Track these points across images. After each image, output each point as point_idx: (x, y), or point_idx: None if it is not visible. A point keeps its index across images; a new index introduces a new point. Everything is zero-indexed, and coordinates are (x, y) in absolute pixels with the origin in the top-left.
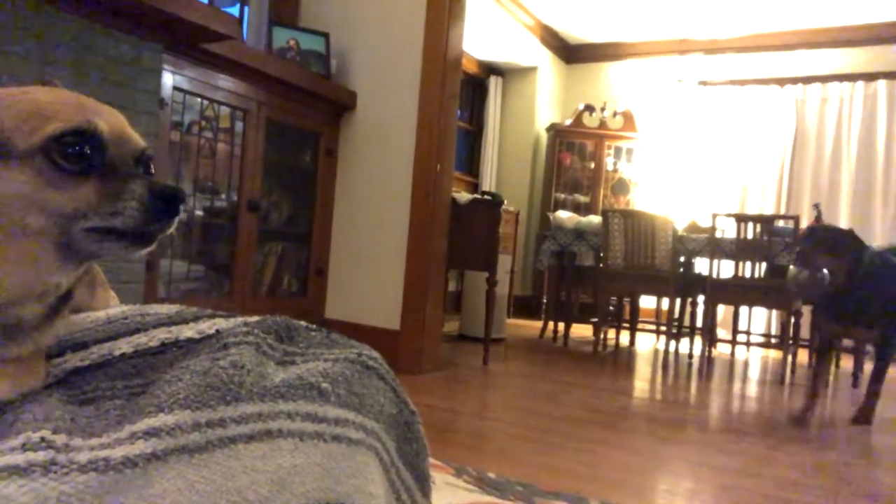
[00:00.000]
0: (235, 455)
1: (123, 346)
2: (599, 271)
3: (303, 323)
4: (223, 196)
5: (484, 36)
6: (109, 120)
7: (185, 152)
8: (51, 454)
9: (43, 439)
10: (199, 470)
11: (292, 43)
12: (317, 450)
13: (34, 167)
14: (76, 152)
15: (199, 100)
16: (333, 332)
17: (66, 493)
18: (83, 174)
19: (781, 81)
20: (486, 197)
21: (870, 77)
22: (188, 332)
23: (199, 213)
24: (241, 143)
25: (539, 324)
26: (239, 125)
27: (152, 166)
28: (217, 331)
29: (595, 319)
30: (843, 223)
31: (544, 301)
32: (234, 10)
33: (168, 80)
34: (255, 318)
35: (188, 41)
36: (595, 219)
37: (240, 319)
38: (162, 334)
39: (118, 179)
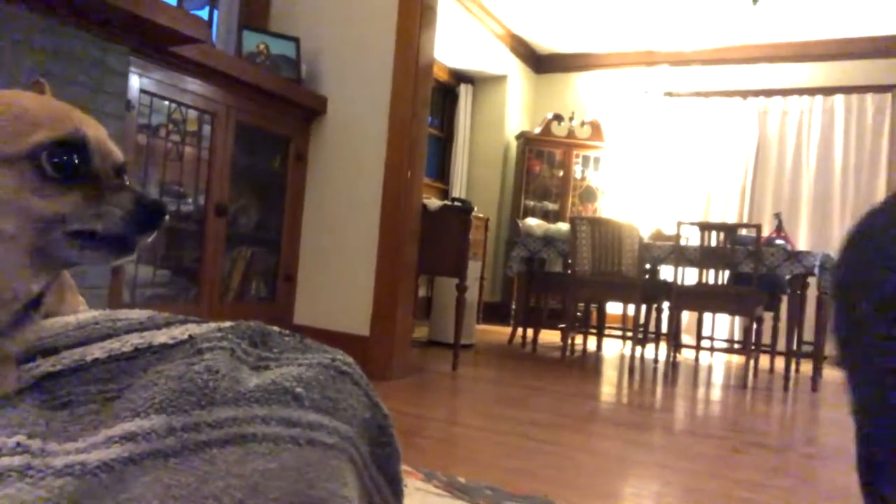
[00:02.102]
0: (211, 459)
1: (96, 351)
2: (567, 277)
3: (276, 328)
4: (190, 200)
5: (455, 44)
6: (94, 131)
7: (152, 155)
8: (26, 459)
9: (18, 444)
10: (174, 474)
11: (262, 47)
12: (291, 454)
13: (19, 172)
14: (63, 160)
15: (166, 103)
16: (307, 338)
17: (43, 497)
18: (68, 182)
19: (745, 94)
20: (456, 203)
21: (828, 91)
22: (161, 337)
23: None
24: (209, 146)
25: (508, 329)
26: (207, 129)
27: (127, 179)
28: (190, 336)
29: (563, 325)
30: (803, 232)
31: (513, 307)
32: (204, 14)
33: (135, 82)
34: (228, 324)
35: (156, 44)
36: (563, 226)
37: (213, 325)
38: (135, 339)
39: (102, 188)
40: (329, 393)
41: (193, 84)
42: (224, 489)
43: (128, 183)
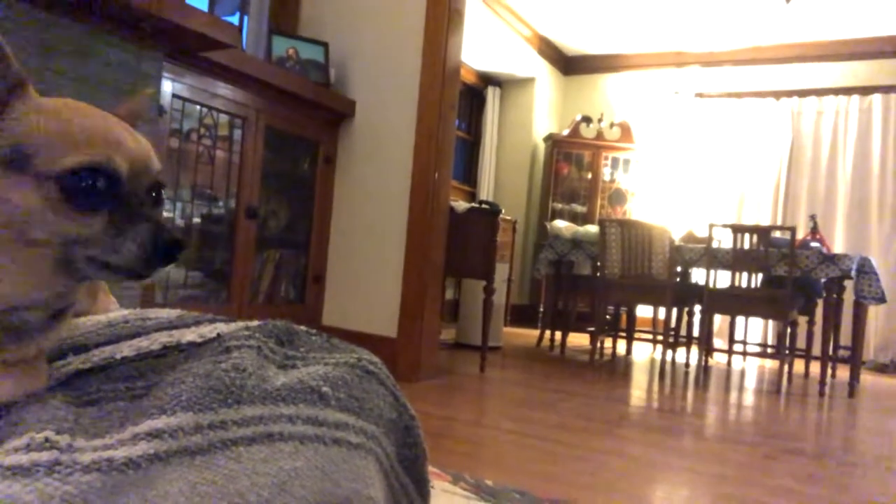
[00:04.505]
0: (237, 457)
1: (125, 349)
2: (596, 280)
3: (303, 327)
4: (221, 203)
5: (482, 47)
6: (132, 152)
7: (184, 159)
8: (55, 454)
9: (47, 440)
10: (200, 472)
11: (291, 52)
12: (317, 453)
13: (46, 191)
14: (89, 187)
15: (198, 107)
16: (333, 337)
17: (70, 492)
18: (91, 208)
19: (778, 94)
20: (483, 206)
21: (865, 91)
22: (190, 335)
23: (196, 220)
24: (239, 150)
25: (536, 332)
26: (237, 133)
27: (163, 192)
28: (218, 334)
29: (592, 328)
30: (839, 235)
31: (541, 310)
32: (234, 19)
33: (168, 87)
34: (256, 323)
35: (188, 49)
36: (592, 228)
37: (241, 324)
38: (163, 338)
39: (126, 218)
40: (355, 392)
41: (224, 89)
42: (250, 487)
43: (162, 198)
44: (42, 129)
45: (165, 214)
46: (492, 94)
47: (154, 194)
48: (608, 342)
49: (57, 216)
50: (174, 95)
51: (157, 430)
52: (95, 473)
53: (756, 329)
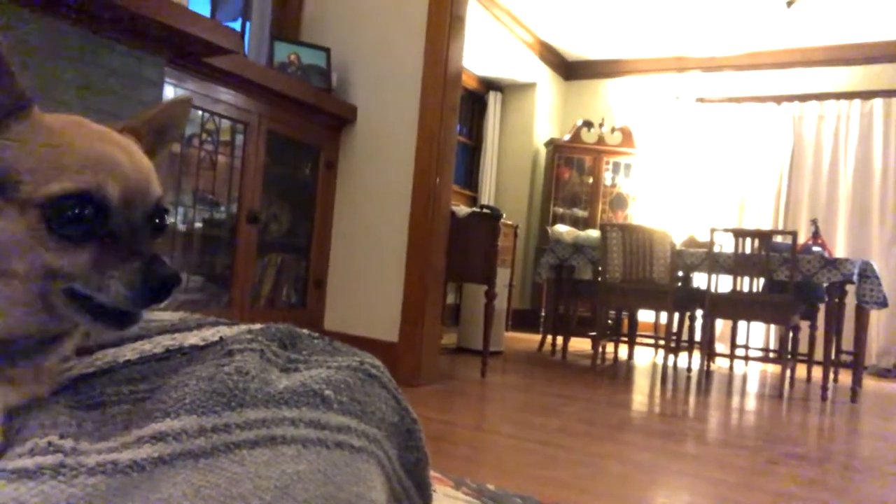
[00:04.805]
0: (240, 461)
1: (128, 352)
2: (598, 285)
3: (305, 331)
4: (223, 208)
5: (483, 52)
6: (127, 177)
7: (186, 164)
8: (59, 458)
9: (51, 444)
10: (204, 475)
11: (293, 57)
12: (319, 457)
13: (30, 219)
14: (74, 217)
15: (200, 112)
16: (336, 341)
17: (75, 495)
18: (77, 240)
19: (779, 99)
20: (484, 210)
21: (866, 95)
22: (192, 338)
23: (198, 224)
24: (241, 155)
25: (537, 337)
26: (239, 138)
27: (166, 217)
28: (221, 338)
29: (593, 333)
30: (841, 239)
31: (542, 314)
32: (237, 25)
33: (170, 92)
34: (258, 326)
35: (191, 55)
36: (594, 233)
37: (244, 327)
38: (166, 341)
39: (115, 251)
40: (357, 396)
41: (226, 94)
42: (253, 491)
43: (164, 225)
44: (32, 153)
45: (169, 222)
46: (493, 99)
47: (156, 220)
48: (609, 347)
49: (40, 247)
50: None
51: (161, 433)
52: (100, 476)
53: (758, 334)
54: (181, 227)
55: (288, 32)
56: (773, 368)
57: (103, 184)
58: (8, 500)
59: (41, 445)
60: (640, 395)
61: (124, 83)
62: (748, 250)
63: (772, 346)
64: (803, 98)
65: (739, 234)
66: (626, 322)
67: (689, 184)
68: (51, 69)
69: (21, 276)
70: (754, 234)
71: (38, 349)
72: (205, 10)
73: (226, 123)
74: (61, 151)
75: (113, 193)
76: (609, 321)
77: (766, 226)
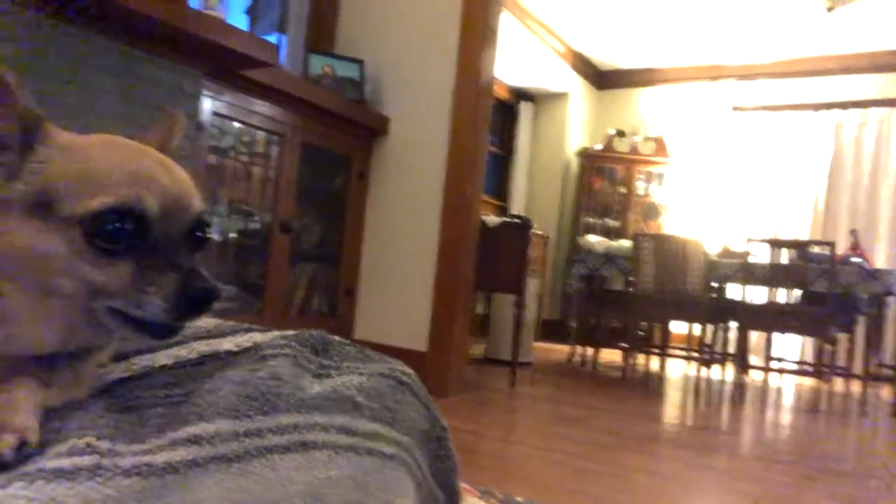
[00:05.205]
0: (272, 465)
1: (163, 357)
2: (629, 296)
3: (337, 338)
4: (257, 218)
5: (515, 62)
6: (166, 190)
7: (222, 175)
8: (96, 459)
9: (88, 445)
10: (236, 479)
11: (327, 69)
12: (350, 463)
13: (70, 236)
14: (115, 231)
15: (236, 124)
16: (367, 348)
17: (111, 495)
18: (119, 254)
19: (817, 107)
20: (515, 220)
21: None
22: (226, 344)
23: (232, 234)
24: (275, 166)
25: (567, 348)
26: (274, 149)
27: (208, 231)
28: (254, 343)
29: (624, 344)
30: (882, 250)
31: (572, 325)
32: (273, 38)
33: (207, 105)
34: (291, 332)
35: (228, 68)
36: (626, 242)
37: (276, 333)
38: (201, 347)
39: (155, 265)
40: (388, 403)
41: (262, 106)
42: (284, 496)
43: (206, 238)
44: (67, 171)
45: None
46: (524, 109)
47: (198, 233)
48: (641, 358)
49: (81, 263)
50: (213, 113)
51: (195, 436)
52: (135, 477)
53: (794, 346)
54: (216, 237)
55: (323, 44)
56: (808, 382)
57: (142, 197)
58: (46, 499)
59: (79, 446)
60: (672, 408)
61: (163, 95)
62: (784, 261)
63: (808, 359)
64: (844, 105)
65: (775, 244)
66: (658, 333)
67: (724, 193)
68: (93, 82)
69: (66, 294)
70: (791, 244)
71: (78, 354)
72: (243, 24)
73: (261, 135)
74: (95, 167)
75: (152, 206)
76: (640, 332)
77: (804, 236)
